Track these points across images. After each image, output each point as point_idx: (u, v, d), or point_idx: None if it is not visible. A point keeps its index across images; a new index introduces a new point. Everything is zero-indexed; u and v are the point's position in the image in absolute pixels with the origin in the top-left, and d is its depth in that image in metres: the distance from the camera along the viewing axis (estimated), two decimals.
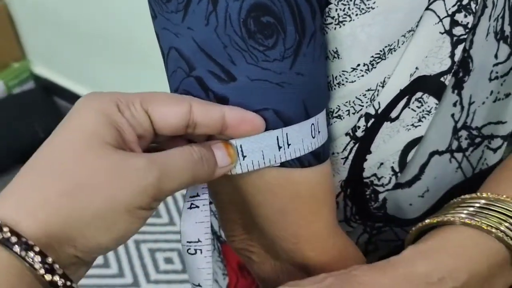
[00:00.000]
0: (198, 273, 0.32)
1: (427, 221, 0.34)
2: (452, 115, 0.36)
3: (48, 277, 0.23)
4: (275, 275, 0.36)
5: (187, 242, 0.31)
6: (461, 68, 0.34)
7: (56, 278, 0.23)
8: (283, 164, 0.31)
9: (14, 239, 0.22)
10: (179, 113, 0.28)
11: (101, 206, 0.24)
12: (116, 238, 0.26)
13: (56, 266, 0.23)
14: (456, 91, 0.35)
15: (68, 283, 0.24)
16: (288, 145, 0.31)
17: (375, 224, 0.41)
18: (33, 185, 0.24)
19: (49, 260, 0.23)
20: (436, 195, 0.39)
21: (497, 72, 0.36)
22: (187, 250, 0.32)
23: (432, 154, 0.37)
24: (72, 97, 1.77)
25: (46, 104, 1.71)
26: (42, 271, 0.23)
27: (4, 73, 1.75)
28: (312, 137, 0.31)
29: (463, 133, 0.37)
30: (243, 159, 0.30)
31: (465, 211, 0.33)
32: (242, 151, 0.30)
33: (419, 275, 0.30)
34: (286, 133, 0.30)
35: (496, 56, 0.35)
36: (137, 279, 1.23)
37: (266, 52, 0.28)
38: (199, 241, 0.31)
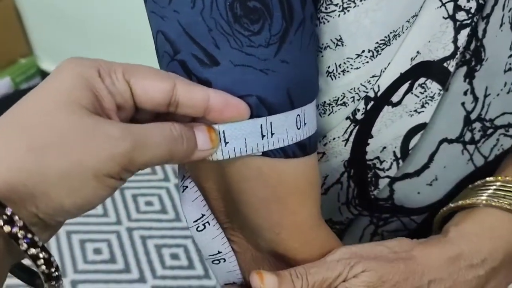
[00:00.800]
0: (212, 242, 0.33)
1: (452, 205, 0.38)
2: (463, 104, 0.36)
3: (6, 228, 0.22)
4: (256, 265, 0.36)
5: (193, 222, 0.32)
6: (473, 57, 0.34)
7: (16, 229, 0.22)
8: (267, 154, 0.31)
9: None
10: (162, 89, 0.27)
11: (67, 168, 0.24)
12: (80, 204, 0.25)
13: (16, 217, 0.22)
14: (467, 80, 0.35)
15: (29, 235, 0.22)
16: (272, 134, 0.30)
17: (382, 215, 0.41)
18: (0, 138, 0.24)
19: (8, 211, 0.22)
20: (445, 185, 0.39)
21: (510, 64, 0.35)
22: (196, 228, 0.32)
23: (441, 142, 0.37)
24: None
25: None
26: (0, 222, 0.22)
27: (11, 69, 1.76)
28: (297, 128, 0.31)
29: (477, 125, 0.37)
30: (225, 145, 0.30)
31: (485, 194, 0.37)
32: (224, 137, 0.30)
33: (465, 258, 0.34)
34: (270, 122, 0.30)
35: (510, 48, 0.35)
36: (143, 274, 1.23)
37: (251, 38, 0.28)
38: (202, 216, 0.32)
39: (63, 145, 0.24)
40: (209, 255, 0.33)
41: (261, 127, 0.30)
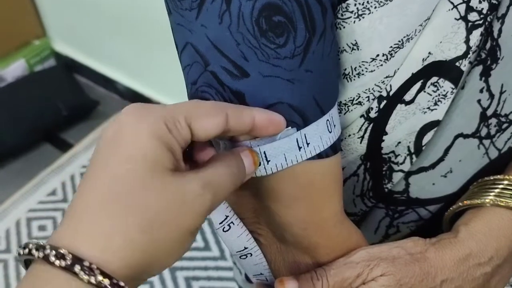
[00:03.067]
0: (238, 240, 0.35)
1: (460, 203, 0.39)
2: (479, 101, 0.37)
3: None
4: (281, 257, 0.38)
5: (219, 224, 0.34)
6: (489, 56, 0.35)
7: None
8: None
9: (107, 281, 0.23)
10: (217, 124, 0.28)
11: (173, 235, 0.26)
12: (178, 258, 0.27)
13: None
14: (483, 78, 0.36)
15: None
16: (308, 144, 0.32)
17: (398, 207, 0.42)
18: (112, 222, 0.25)
19: None
20: (461, 177, 0.40)
21: None
22: (222, 229, 0.34)
23: (456, 137, 0.38)
24: (92, 74, 1.78)
25: (68, 82, 1.73)
26: None
27: (25, 50, 1.77)
28: (329, 132, 0.33)
29: (493, 121, 0.38)
30: (267, 163, 0.32)
31: (492, 193, 0.38)
32: (266, 156, 0.32)
33: (474, 257, 0.36)
34: (305, 134, 0.32)
35: None
36: None
37: (277, 50, 0.30)
38: (226, 217, 0.34)
39: (167, 216, 0.25)
40: (237, 252, 0.35)
41: (297, 141, 0.32)
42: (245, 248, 0.34)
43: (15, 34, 1.74)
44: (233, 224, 0.33)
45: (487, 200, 0.38)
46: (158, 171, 0.26)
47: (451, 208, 0.40)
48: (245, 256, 0.35)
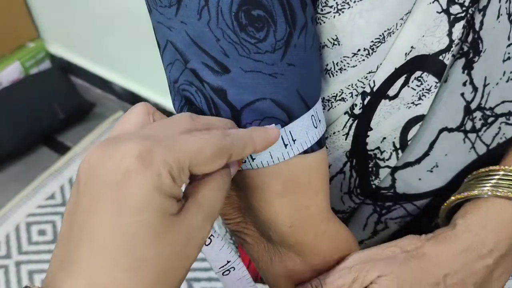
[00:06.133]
0: (220, 253, 0.34)
1: (457, 196, 0.38)
2: (462, 94, 0.36)
3: None
4: (268, 256, 0.37)
5: (219, 268, 0.34)
6: (471, 49, 0.35)
7: None
8: None
9: None
10: (220, 165, 0.28)
11: (184, 273, 0.27)
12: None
13: None
14: (466, 71, 0.35)
15: None
16: (294, 141, 0.32)
17: (385, 203, 0.41)
18: (129, 276, 0.25)
19: None
20: (448, 172, 0.40)
21: (509, 53, 0.36)
22: (222, 273, 0.34)
23: (441, 131, 0.37)
24: (88, 76, 1.78)
25: (64, 84, 1.73)
26: None
27: (20, 53, 1.76)
28: (315, 127, 0.32)
29: (478, 114, 0.38)
30: (253, 161, 0.32)
31: (488, 184, 0.38)
32: (251, 155, 0.32)
33: (473, 249, 0.35)
34: (290, 131, 0.31)
35: (509, 38, 0.35)
36: None
37: (258, 45, 0.29)
38: (228, 262, 0.34)
39: (180, 261, 0.26)
40: (220, 268, 0.34)
41: (283, 139, 0.31)
42: (228, 262, 0.33)
43: (8, 36, 1.73)
44: (213, 237, 0.32)
45: (484, 190, 0.37)
46: (166, 218, 0.25)
47: (447, 202, 0.39)
48: (228, 272, 0.34)
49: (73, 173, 1.51)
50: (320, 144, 0.33)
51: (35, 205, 1.44)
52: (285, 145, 0.31)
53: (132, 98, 1.66)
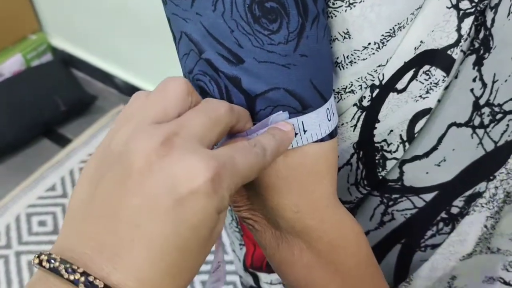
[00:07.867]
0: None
1: None
2: (472, 90, 0.37)
3: None
4: (276, 243, 0.38)
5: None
6: (482, 46, 0.35)
7: None
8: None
9: None
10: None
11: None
12: None
13: None
14: (476, 67, 0.36)
15: None
16: (305, 131, 0.32)
17: (392, 195, 0.42)
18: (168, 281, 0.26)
19: None
20: (455, 166, 0.40)
21: None
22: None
23: (449, 126, 0.38)
24: (90, 69, 1.78)
25: (66, 77, 1.73)
26: None
27: (21, 45, 1.77)
28: (328, 120, 0.33)
29: (486, 110, 0.38)
30: None
31: None
32: None
33: None
34: (302, 121, 0.32)
35: None
36: None
37: (271, 36, 0.30)
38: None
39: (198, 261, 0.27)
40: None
41: (293, 127, 0.32)
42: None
43: (10, 29, 1.73)
44: None
45: None
46: (213, 231, 0.27)
47: None
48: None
49: (74, 165, 1.52)
50: (331, 135, 0.34)
51: (35, 196, 1.44)
52: (295, 134, 0.32)
53: (133, 92, 1.64)
